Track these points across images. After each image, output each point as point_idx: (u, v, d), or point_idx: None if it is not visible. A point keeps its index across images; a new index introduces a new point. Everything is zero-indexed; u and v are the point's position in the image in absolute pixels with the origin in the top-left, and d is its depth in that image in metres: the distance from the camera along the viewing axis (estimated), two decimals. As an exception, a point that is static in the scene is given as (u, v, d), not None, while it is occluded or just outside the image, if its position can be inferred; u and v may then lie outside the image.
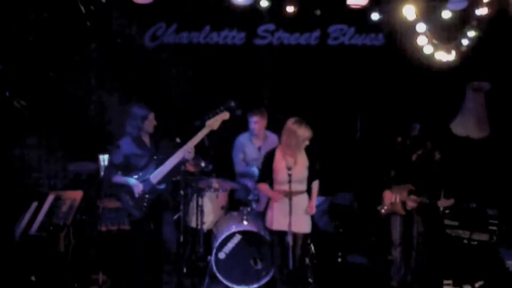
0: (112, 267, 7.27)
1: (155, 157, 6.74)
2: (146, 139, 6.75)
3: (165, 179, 6.79)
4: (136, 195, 6.63)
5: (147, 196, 6.68)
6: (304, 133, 6.48)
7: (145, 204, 6.67)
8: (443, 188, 7.18)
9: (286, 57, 9.01)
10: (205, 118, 6.82)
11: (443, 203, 7.16)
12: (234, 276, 7.20)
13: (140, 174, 6.68)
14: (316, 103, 8.93)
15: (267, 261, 7.12)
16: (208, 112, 6.84)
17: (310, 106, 8.79)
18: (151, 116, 6.70)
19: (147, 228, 6.73)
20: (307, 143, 6.53)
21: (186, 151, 6.74)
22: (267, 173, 6.65)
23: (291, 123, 6.52)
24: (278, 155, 6.60)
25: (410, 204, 7.13)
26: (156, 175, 6.71)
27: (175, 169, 6.85)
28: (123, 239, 7.74)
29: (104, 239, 7.58)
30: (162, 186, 6.79)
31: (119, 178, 6.70)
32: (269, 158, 6.64)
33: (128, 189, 6.66)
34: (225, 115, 6.88)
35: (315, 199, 6.72)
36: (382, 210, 7.30)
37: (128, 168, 6.68)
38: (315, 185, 6.72)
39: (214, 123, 6.82)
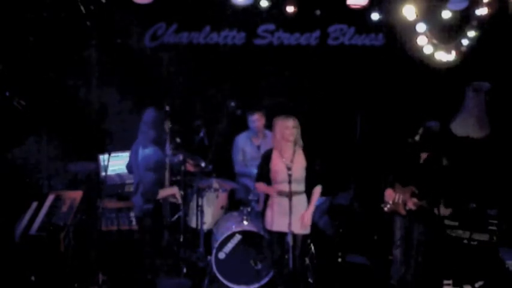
0: (112, 267, 7.27)
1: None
2: None
3: None
4: (180, 201, 6.60)
5: None
6: (284, 122, 6.50)
7: None
8: (444, 195, 7.15)
9: (286, 57, 9.01)
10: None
11: (442, 212, 7.14)
12: (234, 276, 7.20)
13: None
14: (316, 103, 8.93)
15: (267, 261, 7.13)
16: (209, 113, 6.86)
17: (310, 106, 8.81)
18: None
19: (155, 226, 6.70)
20: (293, 131, 6.51)
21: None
22: (264, 173, 6.66)
23: (274, 120, 6.60)
24: (274, 155, 6.60)
25: (410, 205, 7.11)
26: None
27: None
28: (123, 239, 7.74)
29: (104, 239, 7.58)
30: None
31: (161, 192, 6.54)
32: (266, 158, 6.65)
33: (173, 198, 6.58)
34: None
35: (312, 208, 6.64)
36: (385, 208, 7.28)
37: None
38: (316, 191, 6.68)
39: None
